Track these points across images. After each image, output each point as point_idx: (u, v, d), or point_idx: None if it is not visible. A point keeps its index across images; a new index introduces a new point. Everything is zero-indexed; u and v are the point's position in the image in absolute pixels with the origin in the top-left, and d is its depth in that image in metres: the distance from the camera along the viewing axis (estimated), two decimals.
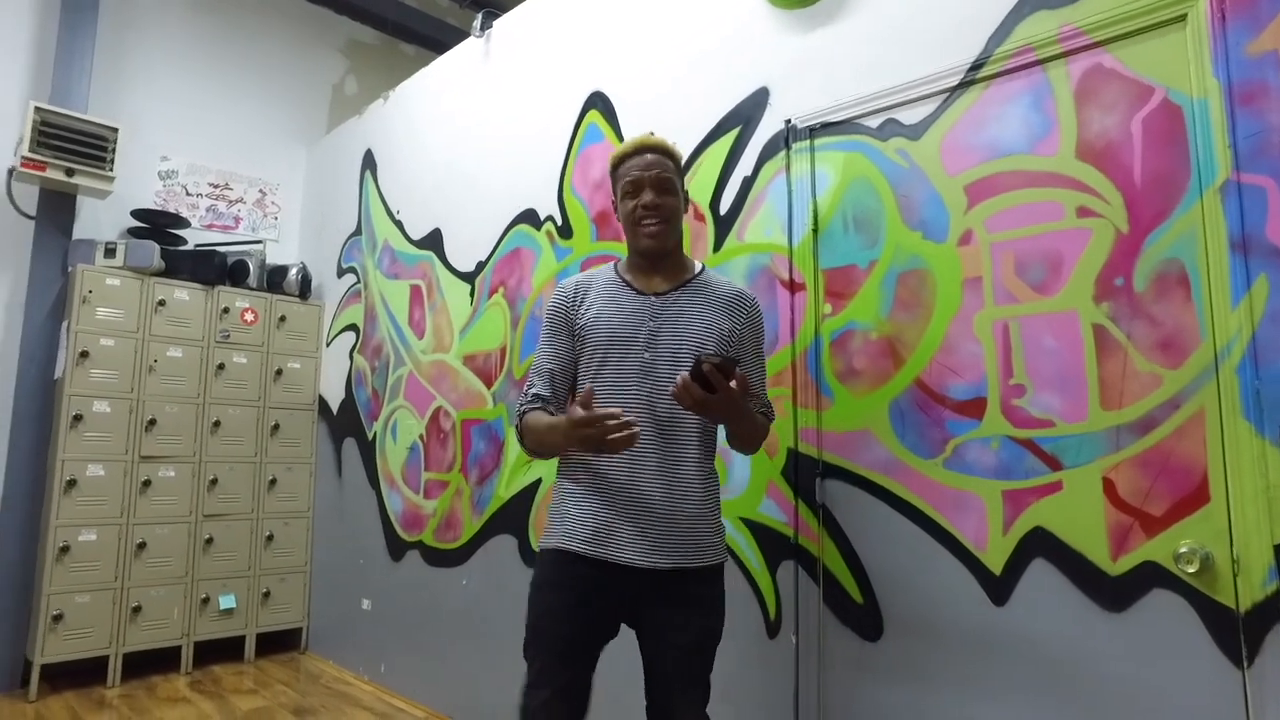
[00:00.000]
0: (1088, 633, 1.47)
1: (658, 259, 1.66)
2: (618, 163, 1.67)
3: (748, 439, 1.65)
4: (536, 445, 1.60)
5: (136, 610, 3.46)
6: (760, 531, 2.04)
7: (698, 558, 1.56)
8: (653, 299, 1.63)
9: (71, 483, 3.32)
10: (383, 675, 3.44)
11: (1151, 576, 1.41)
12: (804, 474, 1.94)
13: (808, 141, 2.02)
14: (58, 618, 3.27)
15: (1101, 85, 1.54)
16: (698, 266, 1.71)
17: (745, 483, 2.09)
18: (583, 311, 1.66)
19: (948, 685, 1.64)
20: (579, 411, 1.41)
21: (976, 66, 1.71)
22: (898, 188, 1.83)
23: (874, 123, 1.89)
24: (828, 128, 1.99)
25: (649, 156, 1.63)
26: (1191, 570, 1.35)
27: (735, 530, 2.09)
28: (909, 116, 1.83)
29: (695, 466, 1.59)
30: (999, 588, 1.59)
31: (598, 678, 1.58)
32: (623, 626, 1.61)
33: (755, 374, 1.69)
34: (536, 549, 1.65)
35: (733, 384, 1.39)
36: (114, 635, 3.40)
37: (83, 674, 3.42)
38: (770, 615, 1.99)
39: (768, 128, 2.13)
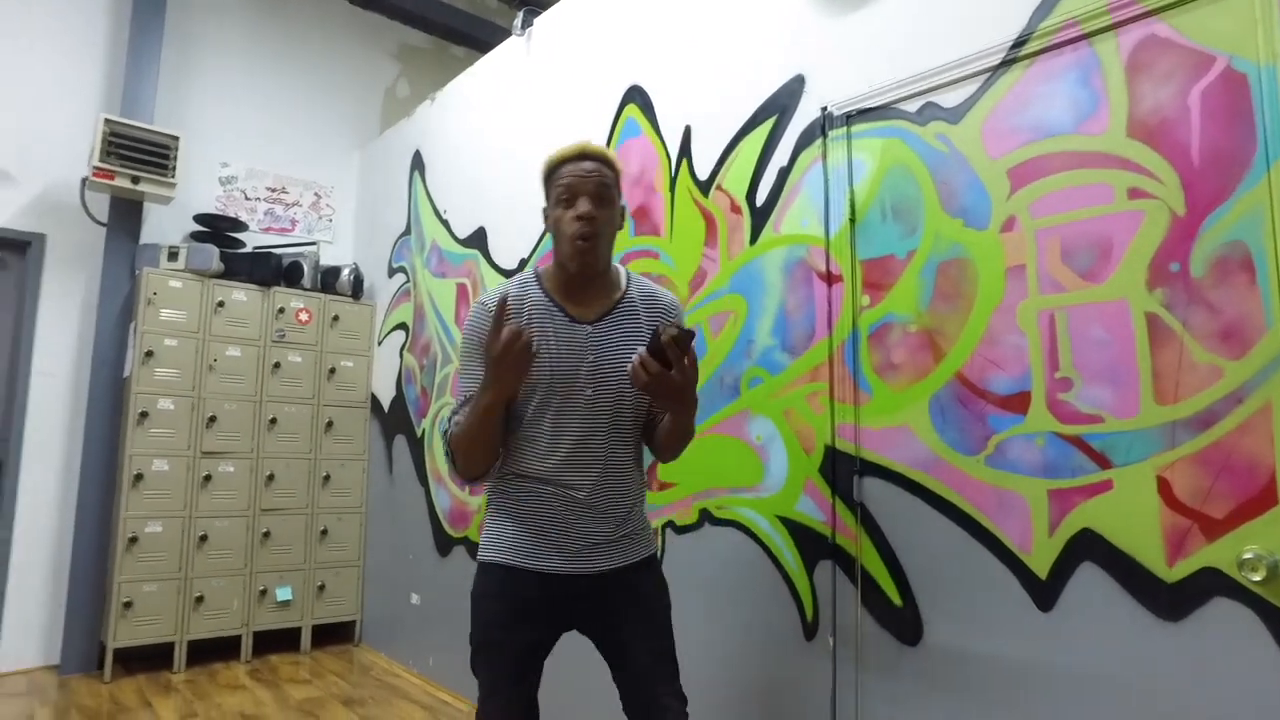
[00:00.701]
0: (1141, 643, 1.37)
1: (588, 277, 1.55)
2: (554, 167, 1.54)
3: (683, 434, 1.58)
4: (470, 443, 1.47)
5: (199, 600, 3.60)
6: (797, 530, 1.99)
7: (635, 556, 1.58)
8: (588, 328, 1.53)
9: (139, 477, 3.48)
10: (431, 669, 3.50)
11: (1212, 584, 1.31)
12: (841, 471, 1.88)
13: (844, 129, 1.96)
14: (128, 605, 3.43)
15: (1156, 57, 1.44)
16: (623, 278, 1.62)
17: (782, 480, 2.04)
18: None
19: (990, 694, 1.57)
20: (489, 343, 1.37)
21: (1019, 44, 1.62)
22: (937, 174, 1.76)
23: (912, 107, 1.82)
24: (865, 114, 1.92)
25: (589, 164, 1.51)
26: (1257, 578, 1.24)
27: (772, 528, 2.05)
28: (948, 99, 1.75)
29: (627, 482, 1.59)
30: (1044, 592, 1.51)
31: (562, 682, 1.58)
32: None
33: None
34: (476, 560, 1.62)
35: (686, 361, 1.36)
36: (179, 623, 3.55)
37: (152, 658, 3.58)
38: (807, 616, 1.94)
39: (804, 116, 2.08)
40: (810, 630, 1.92)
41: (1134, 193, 1.44)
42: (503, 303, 1.37)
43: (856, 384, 1.87)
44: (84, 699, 3.19)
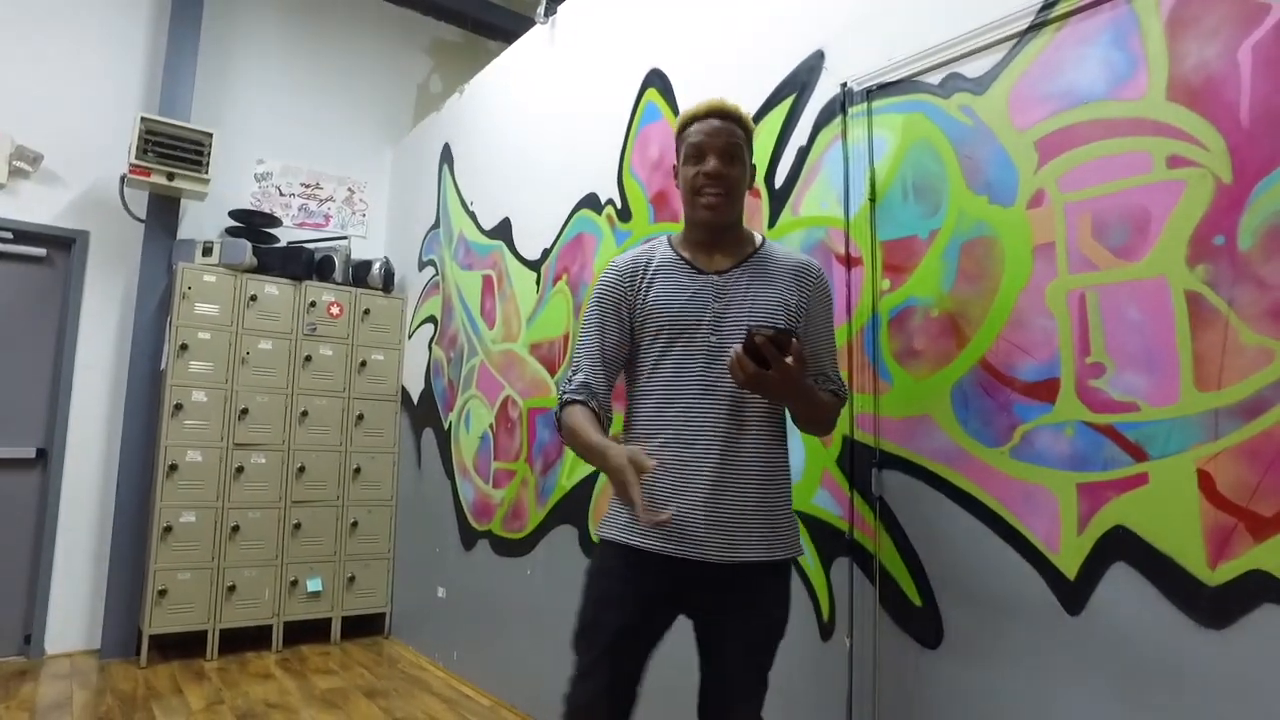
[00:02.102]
0: (1180, 652, 1.26)
1: (717, 233, 1.54)
2: (684, 125, 1.54)
3: (813, 420, 1.53)
4: (573, 448, 1.48)
5: (231, 589, 3.65)
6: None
7: (767, 552, 1.45)
8: (715, 278, 1.51)
9: (173, 467, 3.55)
10: (455, 662, 3.49)
11: (1260, 589, 1.19)
12: (860, 463, 1.79)
13: (864, 105, 1.86)
14: (162, 593, 3.50)
15: (1200, 10, 1.31)
16: (758, 238, 1.59)
17: (799, 473, 1.95)
18: (642, 293, 1.54)
19: (1014, 704, 1.46)
20: (626, 465, 1.26)
21: (1048, 5, 1.51)
22: (961, 148, 1.65)
23: (935, 79, 1.72)
24: (885, 88, 1.82)
25: (717, 122, 1.49)
26: None
27: None
28: (973, 69, 1.65)
29: (766, 455, 1.48)
30: (1073, 594, 1.39)
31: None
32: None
33: (824, 348, 1.56)
34: (595, 538, 1.57)
35: (789, 359, 1.28)
36: (211, 612, 3.61)
37: (187, 645, 3.65)
38: (824, 616, 1.85)
39: (823, 93, 1.99)
40: (826, 630, 1.84)
41: (1174, 161, 1.32)
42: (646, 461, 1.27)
43: (876, 372, 1.78)
44: (119, 683, 3.26)
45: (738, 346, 1.30)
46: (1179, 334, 1.29)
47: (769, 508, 1.46)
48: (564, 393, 1.52)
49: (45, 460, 3.71)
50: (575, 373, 1.53)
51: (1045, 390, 1.46)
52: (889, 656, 1.69)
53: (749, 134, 1.55)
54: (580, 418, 1.45)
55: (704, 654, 1.50)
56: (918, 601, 1.65)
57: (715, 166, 1.47)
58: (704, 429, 1.44)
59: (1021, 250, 1.52)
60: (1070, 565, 1.40)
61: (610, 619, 1.45)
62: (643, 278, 1.55)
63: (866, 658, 1.73)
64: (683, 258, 1.55)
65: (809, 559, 1.90)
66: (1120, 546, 1.34)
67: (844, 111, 1.91)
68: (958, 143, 1.66)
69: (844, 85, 1.91)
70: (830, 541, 1.85)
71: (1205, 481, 1.25)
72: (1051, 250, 1.47)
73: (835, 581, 1.83)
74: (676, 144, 1.57)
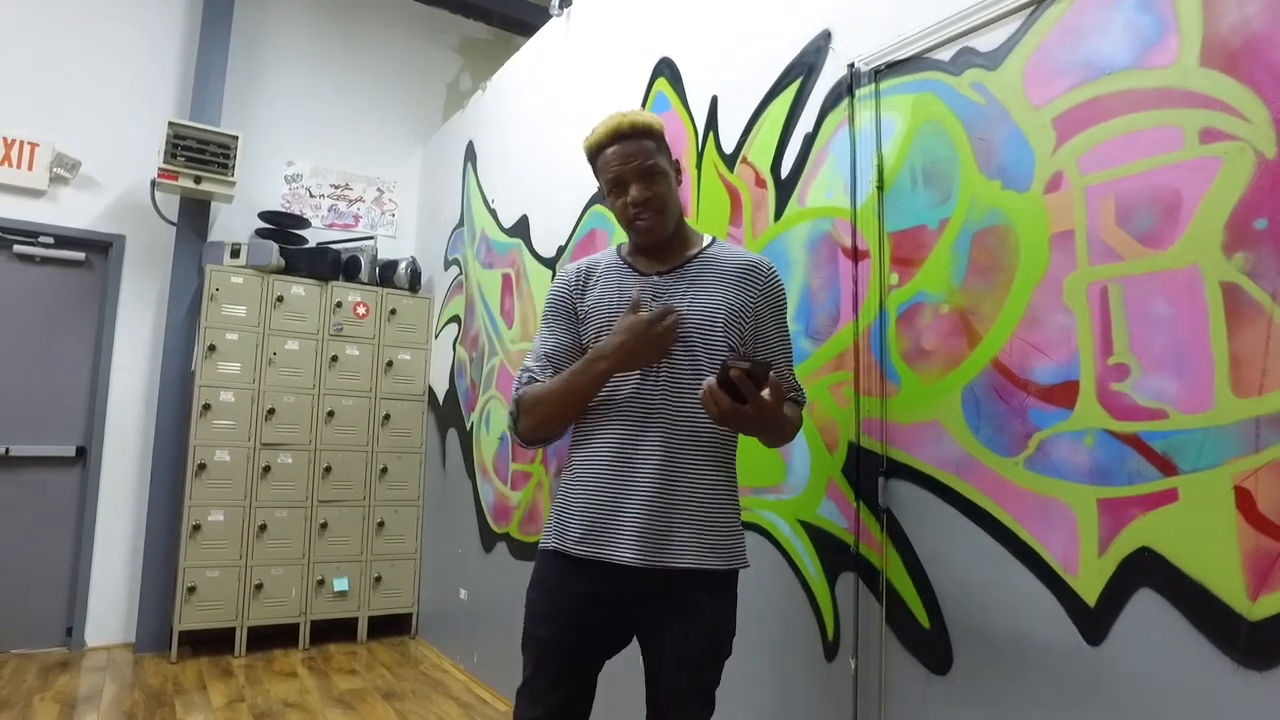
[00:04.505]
0: (1215, 694, 1.11)
1: (660, 244, 1.51)
2: (593, 156, 1.49)
3: (778, 441, 1.50)
4: (557, 404, 1.40)
5: (259, 587, 3.69)
6: (819, 537, 1.78)
7: (709, 560, 1.36)
8: (654, 278, 1.48)
9: (201, 466, 3.60)
10: (475, 665, 3.45)
11: None
12: (866, 472, 1.66)
13: (872, 86, 1.73)
14: (192, 590, 3.55)
15: None
16: (706, 240, 1.55)
17: (805, 481, 1.83)
18: (586, 296, 1.52)
19: None
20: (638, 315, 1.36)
21: None
22: (973, 129, 1.51)
23: (946, 55, 1.58)
24: (894, 67, 1.69)
25: (625, 147, 1.43)
26: None
27: (793, 533, 1.84)
28: (987, 42, 1.50)
29: (708, 456, 1.41)
30: (1094, 622, 1.25)
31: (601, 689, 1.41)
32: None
33: (779, 354, 1.48)
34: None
35: (765, 393, 1.20)
36: (239, 609, 3.65)
37: (217, 642, 3.70)
38: (828, 634, 1.73)
39: (830, 75, 1.86)
40: (831, 650, 1.71)
41: (1208, 134, 1.17)
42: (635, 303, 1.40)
43: (884, 373, 1.65)
44: (149, 678, 3.31)
45: (711, 379, 1.22)
46: (1213, 332, 1.14)
47: (707, 512, 1.38)
48: (516, 389, 1.47)
49: (85, 458, 3.81)
50: (525, 372, 1.49)
51: (1063, 394, 1.32)
52: (896, 681, 1.56)
53: (659, 138, 1.48)
54: (539, 385, 1.44)
55: (648, 673, 1.43)
56: (926, 623, 1.51)
57: (637, 193, 1.43)
58: (642, 434, 1.38)
59: (1037, 239, 1.38)
60: (1090, 590, 1.26)
61: (551, 637, 1.40)
62: (587, 282, 1.54)
63: (872, 681, 1.60)
64: (626, 262, 1.54)
65: (813, 573, 1.78)
66: (1146, 571, 1.19)
67: (851, 94, 1.78)
68: (970, 123, 1.52)
69: (851, 66, 1.78)
70: (835, 555, 1.73)
71: (1244, 500, 1.09)
72: (1070, 239, 1.33)
73: (841, 598, 1.70)
74: (594, 172, 1.52)
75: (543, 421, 1.43)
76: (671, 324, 1.36)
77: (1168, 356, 1.19)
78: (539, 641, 1.40)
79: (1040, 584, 1.33)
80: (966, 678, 1.43)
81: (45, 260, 3.80)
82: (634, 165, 1.42)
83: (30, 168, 3.71)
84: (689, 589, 1.36)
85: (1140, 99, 1.25)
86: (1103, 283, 1.28)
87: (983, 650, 1.41)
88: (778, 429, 1.37)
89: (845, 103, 1.79)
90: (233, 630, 3.65)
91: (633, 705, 1.50)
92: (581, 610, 1.39)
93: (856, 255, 1.73)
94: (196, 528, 3.57)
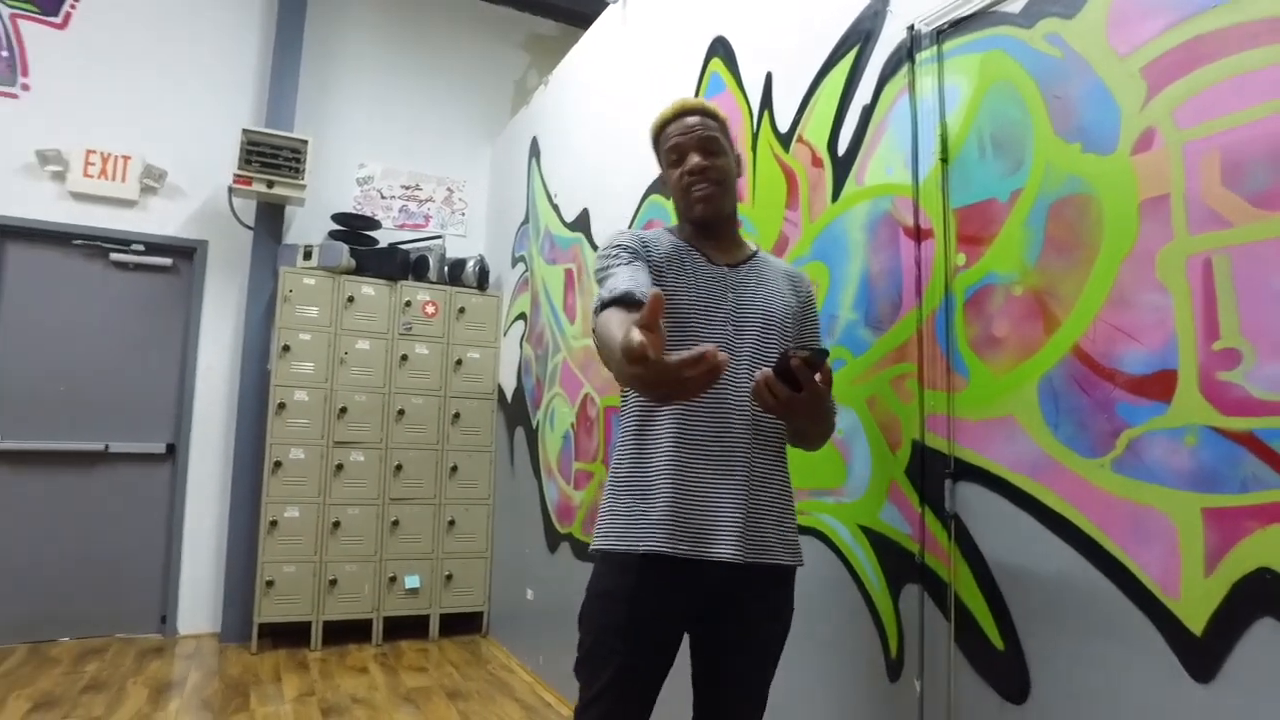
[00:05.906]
0: None
1: (715, 228, 1.48)
2: (658, 132, 1.50)
3: (819, 437, 1.49)
4: (603, 354, 1.23)
5: (333, 583, 3.77)
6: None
7: (788, 556, 1.39)
8: (726, 270, 1.45)
9: (278, 464, 3.70)
10: (540, 666, 3.42)
11: None
12: (931, 474, 1.51)
13: (934, 49, 1.56)
14: (270, 584, 3.66)
15: None
16: (752, 245, 1.56)
17: (865, 483, 1.68)
18: (655, 262, 1.39)
19: None
20: (638, 339, 0.91)
21: None
22: (1048, 87, 1.33)
23: (1015, 6, 1.40)
24: (958, 26, 1.52)
25: (689, 119, 1.45)
26: None
27: (854, 540, 1.70)
28: None
29: (777, 451, 1.43)
30: (1201, 656, 1.07)
31: None
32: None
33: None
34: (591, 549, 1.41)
35: (817, 377, 1.20)
36: (315, 604, 3.74)
37: (295, 635, 3.80)
38: (891, 652, 1.57)
39: (888, 41, 1.70)
40: (895, 669, 1.56)
41: None
42: (657, 302, 0.95)
43: (950, 364, 1.49)
44: (230, 667, 3.43)
45: (766, 371, 1.20)
46: None
47: (782, 508, 1.41)
48: (600, 300, 1.27)
49: (174, 455, 4.00)
50: (611, 281, 1.29)
51: (1158, 385, 1.13)
52: (966, 708, 1.40)
53: (723, 125, 1.50)
54: (610, 312, 1.22)
55: (708, 676, 1.38)
56: (999, 644, 1.35)
57: (697, 162, 1.42)
58: (733, 426, 1.35)
59: (1125, 208, 1.19)
60: (1196, 617, 1.07)
61: (619, 648, 1.30)
62: (650, 250, 1.41)
63: (939, 706, 1.45)
64: (693, 246, 1.46)
65: (875, 584, 1.63)
66: (1266, 597, 1.00)
67: (911, 59, 1.62)
68: (1044, 81, 1.34)
69: (911, 28, 1.62)
70: (899, 564, 1.57)
71: None
72: (1165, 205, 1.14)
73: (904, 612, 1.55)
74: (655, 153, 1.53)
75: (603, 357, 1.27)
76: (712, 371, 0.94)
77: None
78: (611, 655, 1.30)
79: (1133, 605, 1.15)
80: (1046, 709, 1.26)
81: (138, 267, 4.00)
82: (695, 135, 1.43)
83: (124, 179, 3.92)
84: (769, 586, 1.37)
85: (1253, 33, 1.05)
86: (1205, 254, 1.09)
87: (1065, 679, 1.24)
88: (824, 419, 1.40)
89: (905, 69, 1.63)
90: (309, 624, 3.75)
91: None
92: (665, 624, 1.33)
93: (919, 235, 1.57)
94: (274, 523, 3.68)
